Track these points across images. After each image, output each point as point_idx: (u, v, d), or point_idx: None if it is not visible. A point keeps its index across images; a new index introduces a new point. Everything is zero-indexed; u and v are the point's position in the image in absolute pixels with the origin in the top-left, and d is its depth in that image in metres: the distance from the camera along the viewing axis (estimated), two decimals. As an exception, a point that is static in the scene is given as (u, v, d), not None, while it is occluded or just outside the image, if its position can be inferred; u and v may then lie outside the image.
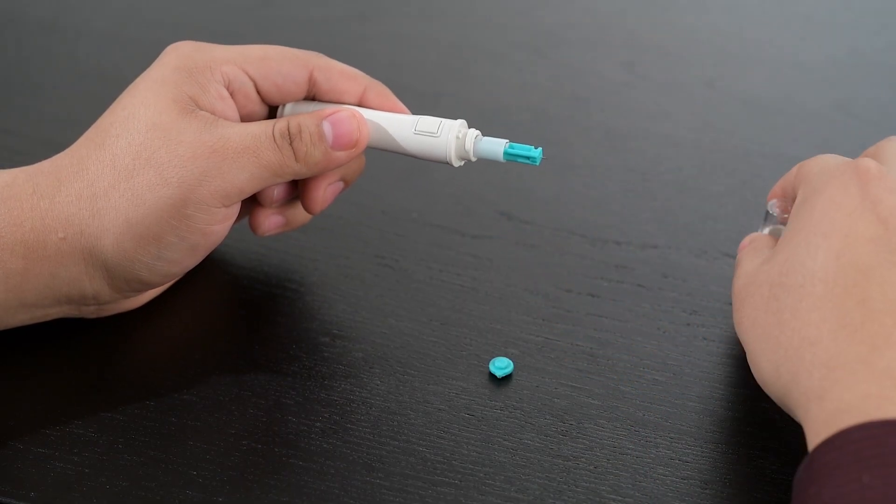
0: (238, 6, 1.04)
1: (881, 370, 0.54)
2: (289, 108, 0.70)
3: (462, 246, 0.78)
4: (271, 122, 0.66)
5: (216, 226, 0.66)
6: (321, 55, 0.70)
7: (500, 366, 0.68)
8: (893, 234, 0.58)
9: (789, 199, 0.67)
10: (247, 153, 0.64)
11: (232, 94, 0.68)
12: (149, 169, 0.64)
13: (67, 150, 0.66)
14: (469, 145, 0.67)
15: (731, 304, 0.71)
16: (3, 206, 0.64)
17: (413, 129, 0.67)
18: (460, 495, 0.63)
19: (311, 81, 0.69)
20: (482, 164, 0.85)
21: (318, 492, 0.63)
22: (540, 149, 0.66)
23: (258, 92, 0.69)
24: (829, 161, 0.63)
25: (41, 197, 0.64)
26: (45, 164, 0.66)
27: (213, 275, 0.75)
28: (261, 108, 0.70)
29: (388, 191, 0.82)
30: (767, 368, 0.59)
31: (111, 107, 0.67)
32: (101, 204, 0.64)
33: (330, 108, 0.68)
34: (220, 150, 0.64)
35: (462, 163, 0.67)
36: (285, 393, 0.68)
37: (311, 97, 0.70)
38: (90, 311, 0.68)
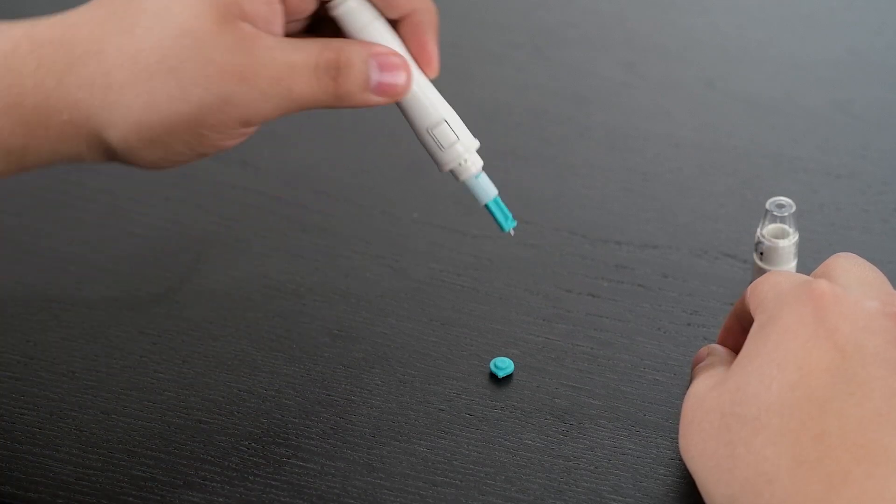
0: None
1: None
2: (345, 9, 0.61)
3: (462, 246, 0.78)
4: (316, 48, 0.60)
5: (229, 142, 0.61)
6: None
7: (501, 366, 0.68)
8: (850, 363, 0.55)
9: (737, 332, 0.65)
10: (280, 84, 0.59)
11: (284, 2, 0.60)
12: (171, 78, 0.58)
13: (83, 16, 0.59)
14: (463, 177, 0.64)
15: (731, 303, 0.71)
16: (1, 81, 0.58)
17: (427, 128, 0.63)
18: (461, 495, 0.63)
19: None
20: (483, 163, 0.85)
21: (318, 492, 0.63)
22: (515, 222, 0.65)
23: None
24: (782, 283, 0.60)
25: (47, 73, 0.58)
26: (53, 29, 0.59)
27: (213, 275, 0.75)
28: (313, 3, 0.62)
29: (389, 191, 0.82)
30: (721, 501, 0.56)
31: None
32: (114, 97, 0.58)
33: (382, 41, 0.61)
34: (251, 77, 0.58)
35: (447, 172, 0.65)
36: (285, 393, 0.67)
37: None
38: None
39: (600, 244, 0.78)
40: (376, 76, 0.60)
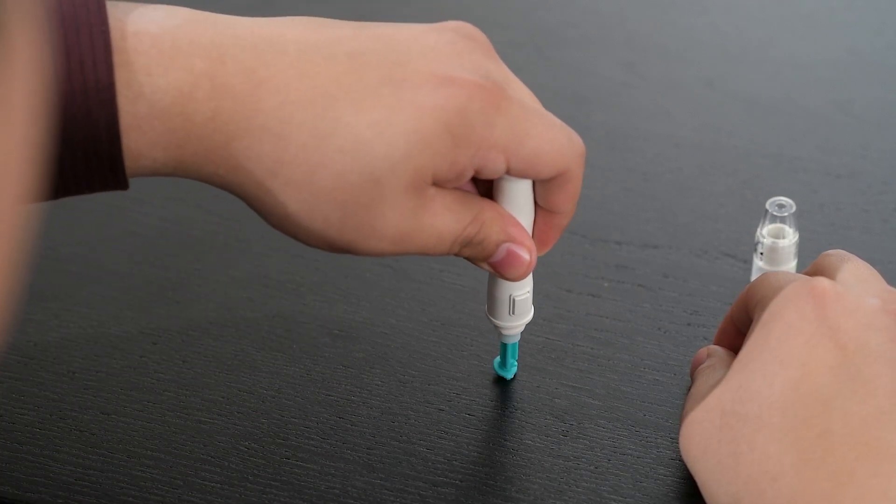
0: (238, 6, 1.04)
1: None
2: (513, 189, 0.61)
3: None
4: (467, 219, 0.58)
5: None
6: (582, 156, 0.60)
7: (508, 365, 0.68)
8: (853, 361, 0.56)
9: (732, 334, 0.65)
10: (421, 249, 0.58)
11: (476, 173, 0.58)
12: (337, 210, 0.56)
13: (281, 74, 0.54)
14: (506, 333, 0.66)
15: (731, 303, 0.71)
16: (167, 122, 0.54)
17: (512, 294, 0.64)
18: (461, 495, 0.63)
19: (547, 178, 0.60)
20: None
21: (318, 492, 0.63)
22: (515, 369, 0.68)
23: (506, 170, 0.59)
24: (781, 282, 0.60)
25: (218, 129, 0.54)
26: (240, 79, 0.54)
27: (213, 275, 0.75)
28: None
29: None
30: (725, 500, 0.56)
31: (369, 83, 0.55)
32: (275, 187, 0.55)
33: (522, 226, 0.61)
34: (404, 241, 0.57)
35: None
36: (285, 393, 0.67)
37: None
38: None
39: (600, 244, 0.78)
40: (500, 258, 0.60)
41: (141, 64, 0.54)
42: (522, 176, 0.59)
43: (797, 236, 0.72)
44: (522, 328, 0.66)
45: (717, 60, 0.97)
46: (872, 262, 0.76)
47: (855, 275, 0.61)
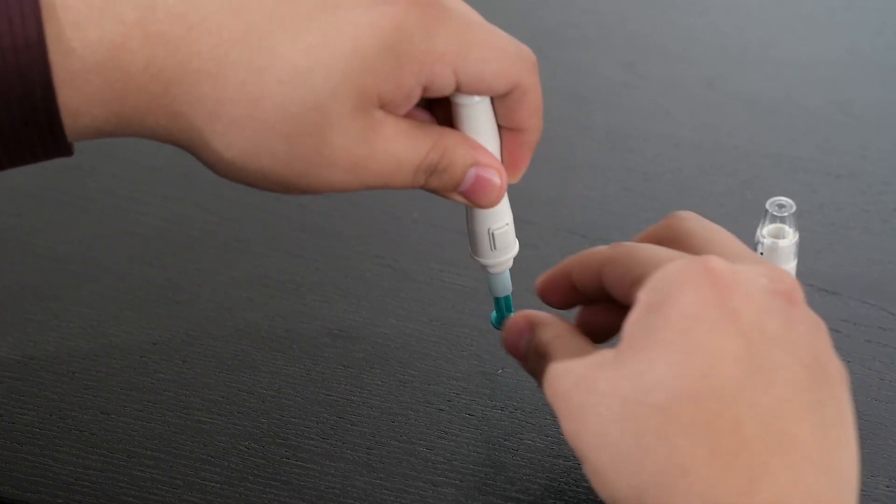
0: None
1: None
2: (475, 109, 0.59)
3: (462, 246, 0.77)
4: (426, 145, 0.58)
5: (313, 194, 0.59)
6: (534, 67, 0.59)
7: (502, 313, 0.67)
8: (755, 349, 0.54)
9: (565, 288, 0.62)
10: (381, 178, 0.57)
11: (423, 90, 0.57)
12: (283, 142, 0.55)
13: (209, 19, 0.54)
14: (494, 271, 0.65)
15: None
16: (102, 75, 0.53)
17: (490, 228, 0.63)
18: (461, 496, 0.63)
19: (506, 93, 0.59)
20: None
21: (318, 492, 0.63)
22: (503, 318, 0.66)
23: (455, 87, 0.58)
24: (662, 258, 0.58)
25: (155, 77, 0.54)
26: (172, 26, 0.54)
27: (213, 275, 0.75)
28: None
29: (389, 191, 0.81)
30: (627, 493, 0.55)
31: (301, 12, 0.55)
32: (219, 128, 0.54)
33: (488, 149, 0.60)
34: (360, 169, 0.56)
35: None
36: (285, 393, 0.67)
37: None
38: None
39: (600, 244, 0.77)
40: (469, 184, 0.59)
41: (70, 18, 0.53)
42: (474, 91, 0.58)
43: (797, 236, 0.72)
44: (509, 265, 0.64)
45: (717, 60, 0.97)
46: (872, 262, 0.77)
47: (731, 248, 0.59)
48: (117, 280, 0.75)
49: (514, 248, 0.64)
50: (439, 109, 0.60)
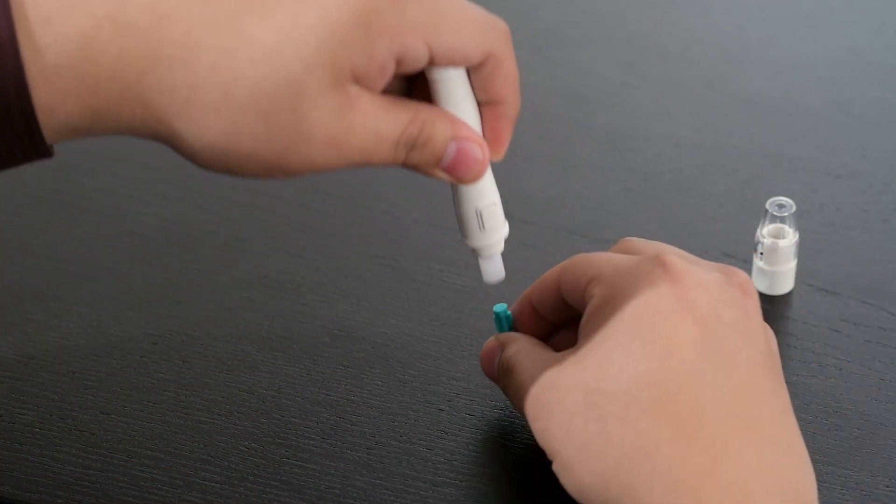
0: None
1: (728, 482, 0.53)
2: (452, 83, 0.59)
3: (462, 246, 0.77)
4: (404, 119, 0.57)
5: (297, 177, 0.59)
6: (508, 37, 0.59)
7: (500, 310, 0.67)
8: (713, 335, 0.56)
9: (531, 315, 0.64)
10: (362, 153, 0.56)
11: (397, 63, 0.57)
12: (261, 121, 0.55)
13: (179, 7, 0.54)
14: (484, 254, 0.64)
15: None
16: (74, 69, 0.53)
17: (477, 208, 0.62)
18: (461, 495, 0.63)
19: (479, 64, 0.59)
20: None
21: (318, 492, 0.63)
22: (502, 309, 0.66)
23: (430, 60, 0.58)
24: (616, 259, 0.59)
25: (128, 67, 0.54)
26: (142, 16, 0.54)
27: (213, 275, 0.75)
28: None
29: (389, 191, 0.82)
30: (591, 480, 0.55)
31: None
32: (195, 113, 0.54)
33: (468, 123, 0.60)
34: (340, 144, 0.56)
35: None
36: (285, 393, 0.67)
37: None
38: None
39: (600, 244, 0.78)
40: (451, 158, 0.59)
41: (40, 14, 0.53)
42: (448, 62, 0.57)
43: (797, 236, 0.72)
44: (500, 248, 0.64)
45: (717, 60, 0.97)
46: (872, 262, 0.77)
47: (682, 254, 0.61)
48: (117, 280, 0.75)
49: (503, 229, 0.63)
50: (418, 92, 0.60)
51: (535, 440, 0.65)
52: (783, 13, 1.02)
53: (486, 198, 0.62)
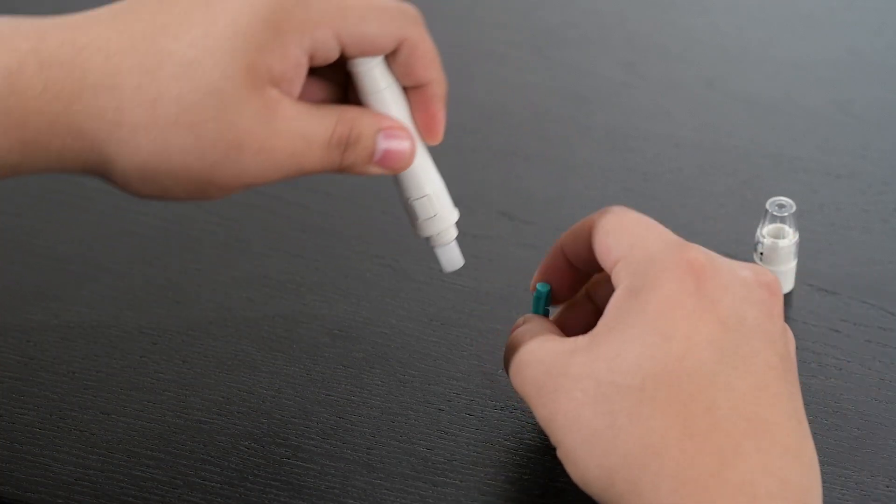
0: None
1: (734, 485, 0.53)
2: (374, 71, 0.61)
3: (462, 246, 0.77)
4: (331, 121, 0.59)
5: (227, 195, 0.60)
6: (418, 20, 0.61)
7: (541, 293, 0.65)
8: (732, 336, 0.55)
9: (563, 269, 0.64)
10: (293, 158, 0.58)
11: (310, 59, 0.59)
12: (189, 134, 0.56)
13: (98, 38, 0.56)
14: (434, 245, 0.65)
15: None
16: (2, 103, 0.55)
17: (409, 199, 0.64)
18: (461, 496, 0.63)
19: (395, 49, 0.60)
20: (483, 163, 0.85)
21: (318, 492, 0.63)
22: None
23: (342, 53, 0.60)
24: (649, 243, 0.59)
25: (54, 98, 0.55)
26: (64, 50, 0.56)
27: (213, 274, 0.75)
28: (330, 70, 0.61)
29: (389, 191, 0.81)
30: (597, 473, 0.55)
31: (176, 13, 0.57)
32: (124, 135, 0.56)
33: (394, 110, 0.61)
34: (269, 149, 0.57)
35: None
36: (285, 393, 0.68)
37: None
38: None
39: (600, 244, 0.78)
40: (382, 150, 0.60)
41: None
42: (360, 52, 0.59)
43: (797, 236, 0.72)
44: (450, 234, 0.64)
45: (717, 60, 0.97)
46: (872, 262, 0.77)
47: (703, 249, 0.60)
48: (117, 280, 0.75)
49: (448, 217, 0.64)
50: (354, 97, 0.62)
51: (535, 441, 0.65)
52: (783, 13, 1.02)
53: (416, 189, 0.63)
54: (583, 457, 0.56)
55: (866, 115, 0.90)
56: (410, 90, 0.62)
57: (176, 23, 0.57)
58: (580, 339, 0.57)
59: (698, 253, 0.58)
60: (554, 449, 0.65)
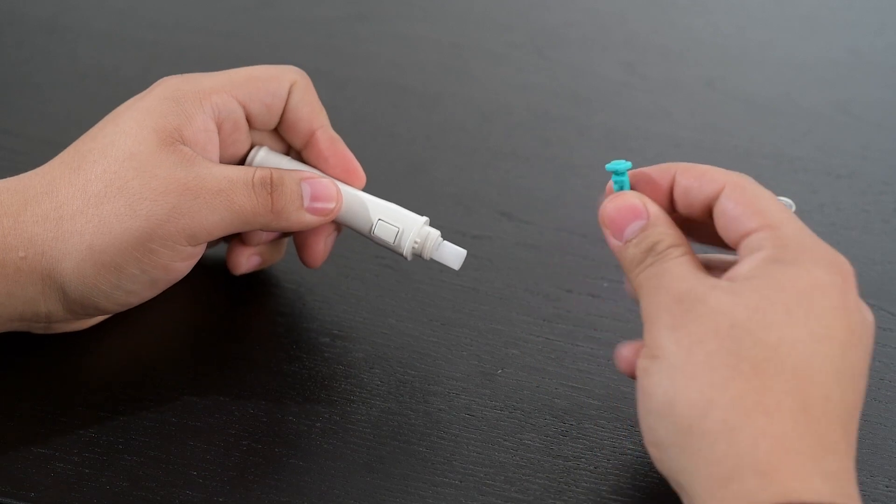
0: (238, 6, 1.04)
1: (828, 473, 0.54)
2: (262, 154, 0.69)
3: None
4: (251, 168, 0.65)
5: (179, 263, 0.65)
6: (302, 74, 0.70)
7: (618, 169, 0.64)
8: (852, 351, 0.58)
9: (664, 186, 0.63)
10: (221, 196, 0.64)
11: (219, 126, 0.67)
12: (119, 198, 0.63)
13: (39, 170, 0.65)
14: (425, 255, 0.69)
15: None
16: None
17: (369, 230, 0.68)
18: (461, 496, 0.63)
19: (287, 101, 0.69)
20: (483, 163, 0.85)
21: (318, 492, 0.63)
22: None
23: (248, 117, 0.68)
24: (804, 232, 0.59)
25: (4, 214, 0.63)
26: (11, 181, 0.65)
27: (213, 274, 0.75)
28: (246, 139, 0.69)
29: (389, 191, 0.82)
30: (695, 399, 0.56)
31: (91, 131, 0.66)
32: (66, 227, 0.63)
33: (308, 171, 0.69)
34: (194, 188, 0.64)
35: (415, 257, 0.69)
36: (285, 393, 0.68)
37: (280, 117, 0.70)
38: (39, 328, 0.67)
39: (600, 244, 0.78)
40: (309, 197, 0.67)
41: None
42: (260, 104, 0.68)
43: (797, 236, 0.72)
44: (433, 236, 0.68)
45: (717, 60, 0.97)
46: (872, 263, 0.77)
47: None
48: (117, 280, 0.75)
49: (412, 230, 0.68)
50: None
51: (534, 441, 0.65)
52: (783, 13, 1.02)
53: (367, 220, 0.68)
54: (687, 377, 0.56)
55: (866, 115, 0.90)
56: (307, 149, 0.70)
57: (92, 130, 0.66)
58: (720, 280, 0.58)
59: (849, 266, 0.59)
60: (554, 449, 0.65)
